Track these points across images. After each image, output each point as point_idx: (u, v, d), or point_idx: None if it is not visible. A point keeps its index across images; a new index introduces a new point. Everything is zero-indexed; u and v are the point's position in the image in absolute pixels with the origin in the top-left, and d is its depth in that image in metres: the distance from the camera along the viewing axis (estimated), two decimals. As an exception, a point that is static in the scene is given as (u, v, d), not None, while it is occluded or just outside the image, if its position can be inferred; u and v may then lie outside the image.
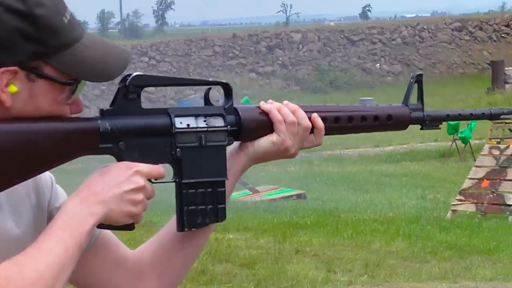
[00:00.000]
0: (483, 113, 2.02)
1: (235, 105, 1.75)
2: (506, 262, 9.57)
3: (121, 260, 1.79)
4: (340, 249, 10.23)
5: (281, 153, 1.79)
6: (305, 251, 10.04)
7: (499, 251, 10.17)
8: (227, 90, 1.73)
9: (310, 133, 1.80)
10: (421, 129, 1.98)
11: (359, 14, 73.53)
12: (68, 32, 1.56)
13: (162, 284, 1.81)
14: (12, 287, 1.47)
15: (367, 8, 71.93)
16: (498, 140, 14.49)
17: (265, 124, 1.77)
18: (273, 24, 59.42)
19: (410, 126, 1.96)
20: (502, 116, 2.14)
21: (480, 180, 13.61)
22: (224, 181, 1.74)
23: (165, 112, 1.68)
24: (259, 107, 1.78)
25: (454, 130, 21.49)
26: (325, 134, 1.84)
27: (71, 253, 1.52)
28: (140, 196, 1.61)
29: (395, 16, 68.09)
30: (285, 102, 1.81)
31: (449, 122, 14.44)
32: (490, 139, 14.77)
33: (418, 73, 1.92)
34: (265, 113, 1.77)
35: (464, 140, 21.86)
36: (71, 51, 1.56)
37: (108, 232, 1.76)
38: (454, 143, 22.42)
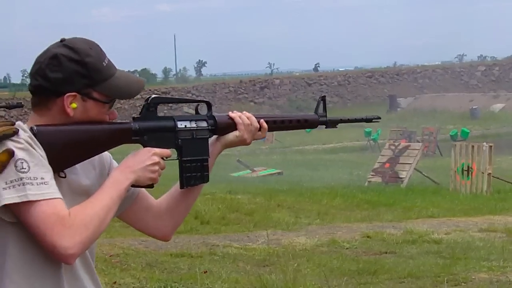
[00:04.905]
0: (362, 118, 2.61)
1: (213, 114, 2.30)
2: (399, 211, 12.14)
3: (149, 206, 2.34)
4: (303, 204, 12.87)
5: (241, 142, 2.33)
6: (283, 205, 12.56)
7: (396, 204, 12.95)
8: (209, 105, 2.31)
9: (259, 130, 2.34)
10: (325, 127, 2.54)
11: (313, 68, 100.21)
12: (106, 71, 2.11)
13: (172, 222, 2.37)
14: (78, 220, 1.97)
15: (317, 65, 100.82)
16: (394, 140, 19.02)
17: (231, 125, 2.31)
18: (263, 74, 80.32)
19: (331, 128, 2.55)
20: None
21: (384, 163, 17.53)
22: (207, 158, 2.27)
23: (171, 118, 2.23)
24: (228, 115, 2.32)
25: (368, 134, 29.40)
26: (268, 131, 2.39)
27: (115, 201, 2.07)
28: (156, 168, 2.16)
29: (333, 69, 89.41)
30: (244, 111, 2.35)
31: (365, 129, 22.12)
32: (389, 139, 19.43)
33: (323, 95, 2.52)
34: (231, 118, 2.31)
35: (374, 140, 29.40)
36: (109, 82, 2.11)
37: (143, 190, 2.31)
38: (368, 142, 30.09)
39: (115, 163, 2.30)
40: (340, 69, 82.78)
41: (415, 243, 8.92)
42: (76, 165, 2.15)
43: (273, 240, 9.05)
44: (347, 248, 8.72)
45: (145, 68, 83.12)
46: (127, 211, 2.32)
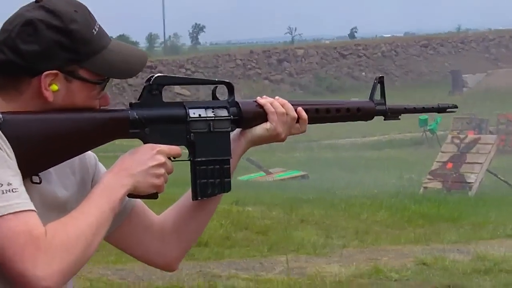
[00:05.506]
0: (432, 107, 2.69)
1: (236, 100, 2.42)
2: (467, 228, 12.41)
3: (148, 224, 2.42)
4: (335, 219, 13.22)
5: (273, 138, 2.46)
6: (308, 220, 12.91)
7: (462, 219, 13.19)
8: (230, 88, 2.41)
9: (296, 122, 2.46)
10: (384, 119, 2.64)
11: (348, 34, 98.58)
12: (97, 41, 2.19)
13: (180, 246, 2.46)
14: (58, 240, 1.97)
15: (354, 30, 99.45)
16: (459, 131, 19.18)
17: (260, 115, 2.43)
18: (281, 42, 79.14)
19: (386, 120, 2.64)
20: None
21: (445, 163, 17.83)
22: (228, 159, 2.39)
23: (181, 104, 2.33)
24: (256, 101, 2.45)
25: (424, 123, 29.53)
26: (308, 123, 2.50)
27: (106, 215, 2.09)
28: (161, 171, 2.22)
29: (376, 35, 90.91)
30: (277, 97, 2.48)
31: (420, 117, 22.27)
32: (452, 130, 19.88)
33: (380, 75, 2.61)
34: (260, 106, 2.43)
35: (432, 131, 29.49)
36: (100, 56, 2.18)
37: (139, 201, 2.40)
38: (424, 134, 30.34)
39: (101, 167, 2.37)
40: (385, 36, 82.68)
41: (489, 273, 8.99)
42: (50, 169, 2.17)
43: (295, 269, 9.16)
44: (395, 280, 8.79)
45: (123, 34, 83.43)
46: (118, 230, 2.35)
